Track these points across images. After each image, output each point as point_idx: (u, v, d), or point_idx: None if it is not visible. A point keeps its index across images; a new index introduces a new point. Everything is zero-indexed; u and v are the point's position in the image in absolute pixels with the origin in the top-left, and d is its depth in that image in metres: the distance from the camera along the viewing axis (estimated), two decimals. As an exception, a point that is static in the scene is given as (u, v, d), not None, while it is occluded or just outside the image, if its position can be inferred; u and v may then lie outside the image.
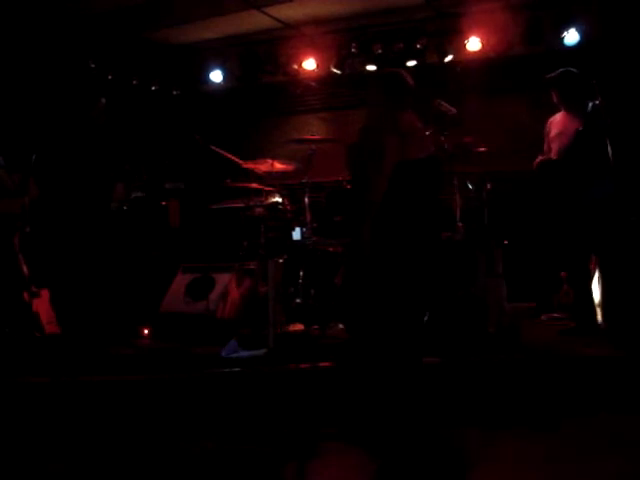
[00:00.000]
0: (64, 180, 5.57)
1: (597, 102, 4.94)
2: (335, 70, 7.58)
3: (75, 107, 6.83)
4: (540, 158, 5.17)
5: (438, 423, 3.81)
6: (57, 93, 7.06)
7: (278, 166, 5.84)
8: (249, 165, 6.00)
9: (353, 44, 7.40)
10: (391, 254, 3.80)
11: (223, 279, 5.88)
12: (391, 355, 3.83)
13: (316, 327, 5.26)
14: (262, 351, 4.82)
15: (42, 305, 5.70)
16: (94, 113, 5.41)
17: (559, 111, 5.24)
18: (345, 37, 7.51)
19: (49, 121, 6.84)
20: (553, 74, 5.13)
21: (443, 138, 5.43)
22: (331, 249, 5.56)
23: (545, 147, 5.29)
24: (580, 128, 4.90)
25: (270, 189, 5.91)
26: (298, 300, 5.40)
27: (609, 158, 4.78)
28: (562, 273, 6.04)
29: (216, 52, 8.01)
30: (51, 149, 6.38)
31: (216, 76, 7.99)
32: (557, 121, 5.21)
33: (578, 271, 5.13)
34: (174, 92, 8.31)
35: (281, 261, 5.36)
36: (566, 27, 6.69)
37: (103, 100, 5.53)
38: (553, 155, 5.13)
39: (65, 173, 5.55)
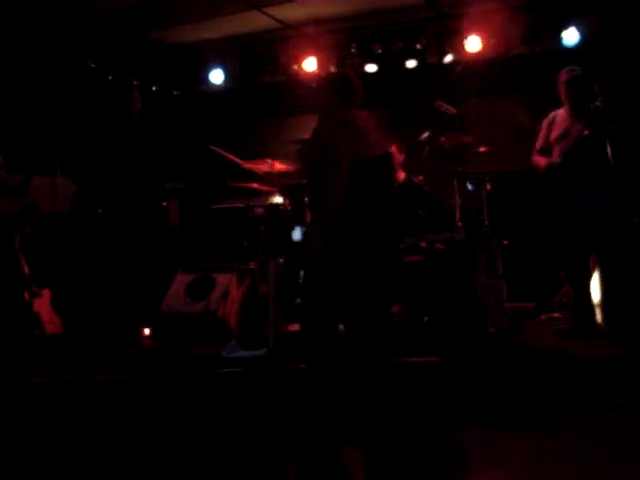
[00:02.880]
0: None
1: (599, 104, 4.93)
2: (335, 70, 7.58)
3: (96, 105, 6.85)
4: (546, 162, 5.06)
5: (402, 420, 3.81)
6: (57, 93, 7.07)
7: (278, 166, 5.84)
8: (249, 165, 6.01)
9: (353, 44, 7.41)
10: (351, 254, 3.73)
11: (223, 279, 5.88)
12: (354, 354, 3.80)
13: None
14: (262, 351, 4.82)
15: (43, 305, 5.70)
16: (125, 106, 5.42)
17: (560, 107, 5.14)
18: (345, 37, 7.52)
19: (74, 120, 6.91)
20: (569, 71, 5.01)
21: (443, 138, 5.44)
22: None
23: (541, 140, 5.16)
24: (585, 133, 4.84)
25: (270, 189, 5.91)
26: (298, 300, 5.40)
27: (610, 161, 4.76)
28: (562, 273, 6.04)
29: (216, 52, 8.01)
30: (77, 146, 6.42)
31: (216, 76, 7.99)
32: (560, 119, 5.10)
33: (577, 271, 5.12)
34: (174, 92, 8.31)
35: (281, 261, 5.36)
36: (566, 27, 6.70)
37: (137, 93, 5.54)
38: (555, 156, 5.07)
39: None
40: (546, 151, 5.15)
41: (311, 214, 4.05)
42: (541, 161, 5.13)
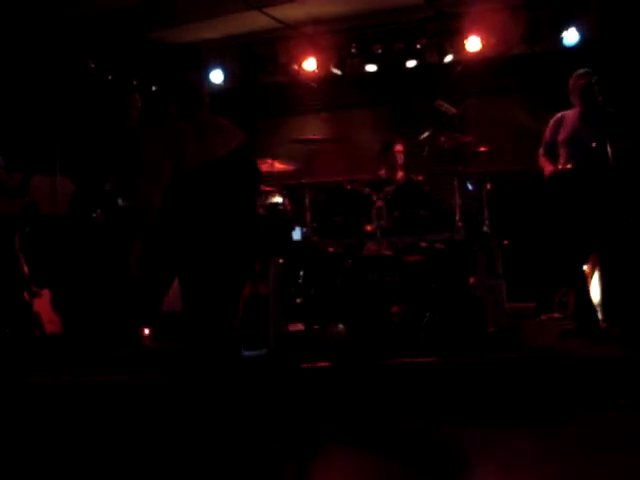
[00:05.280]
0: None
1: (612, 110, 4.91)
2: (335, 70, 7.59)
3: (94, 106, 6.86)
4: (554, 167, 5.01)
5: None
6: (56, 93, 7.07)
7: (278, 166, 5.84)
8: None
9: (353, 44, 7.41)
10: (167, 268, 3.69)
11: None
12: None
13: (316, 327, 5.26)
14: (262, 351, 4.82)
15: (43, 305, 5.70)
16: (126, 108, 5.43)
17: (570, 107, 5.10)
18: (345, 37, 7.52)
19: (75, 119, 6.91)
20: (582, 71, 4.95)
21: (443, 138, 5.44)
22: (331, 249, 5.56)
23: (547, 141, 5.13)
24: (594, 145, 4.78)
25: (270, 189, 5.91)
26: (298, 300, 5.40)
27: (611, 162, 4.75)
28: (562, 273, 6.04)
29: (216, 52, 8.01)
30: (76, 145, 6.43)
31: (216, 76, 7.99)
32: (569, 122, 5.03)
33: (577, 271, 5.11)
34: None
35: (281, 261, 5.36)
36: (566, 27, 6.70)
37: (137, 95, 5.54)
38: (562, 160, 5.00)
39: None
40: (552, 150, 5.10)
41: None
42: (548, 165, 5.08)
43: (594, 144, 4.79)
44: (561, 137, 5.05)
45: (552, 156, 5.11)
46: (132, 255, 3.70)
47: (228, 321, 3.74)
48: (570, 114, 5.09)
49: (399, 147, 5.84)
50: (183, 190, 3.55)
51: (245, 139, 3.89)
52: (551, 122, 5.15)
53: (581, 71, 5.00)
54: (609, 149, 4.71)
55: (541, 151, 5.19)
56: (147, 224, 3.60)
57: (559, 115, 5.13)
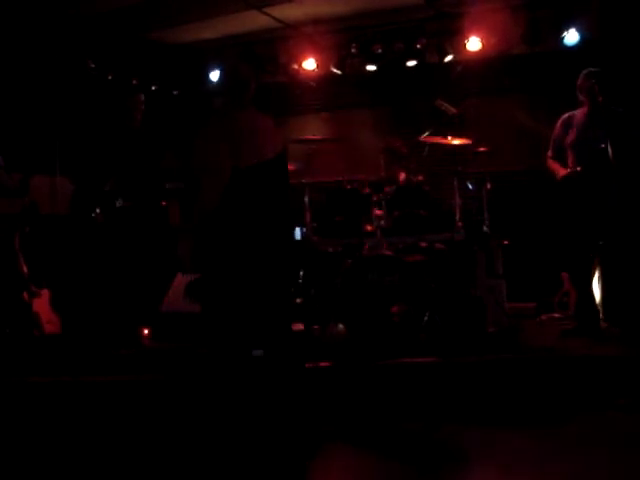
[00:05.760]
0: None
1: (620, 110, 4.89)
2: (335, 70, 7.58)
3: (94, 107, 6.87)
4: (563, 171, 4.99)
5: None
6: (56, 93, 7.07)
7: (278, 166, 5.82)
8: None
9: (353, 44, 7.40)
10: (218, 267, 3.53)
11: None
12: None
13: (316, 327, 5.26)
14: (262, 351, 4.81)
15: (42, 305, 5.70)
16: (129, 108, 5.42)
17: (576, 108, 5.08)
18: (345, 37, 7.51)
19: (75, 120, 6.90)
20: (595, 70, 4.94)
21: (443, 138, 5.44)
22: (331, 249, 5.56)
23: (555, 143, 5.11)
24: (603, 146, 4.77)
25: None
26: (298, 300, 5.40)
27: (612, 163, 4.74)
28: (562, 273, 6.04)
29: (216, 52, 8.01)
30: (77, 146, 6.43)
31: (216, 76, 7.98)
32: (577, 122, 5.01)
33: (581, 271, 5.11)
34: (174, 92, 8.30)
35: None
36: (566, 27, 6.69)
37: (142, 97, 5.53)
38: (571, 162, 4.98)
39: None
40: (560, 152, 5.08)
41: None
42: (557, 168, 5.06)
43: (603, 145, 4.77)
44: (569, 139, 5.01)
45: (560, 159, 5.08)
46: (185, 252, 3.64)
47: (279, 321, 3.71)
48: (578, 115, 5.05)
49: (401, 150, 5.83)
50: (240, 191, 3.48)
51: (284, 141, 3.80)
52: (559, 123, 5.12)
53: (590, 70, 4.98)
54: (610, 150, 4.72)
55: (549, 154, 5.16)
56: (202, 224, 3.51)
57: (566, 116, 5.10)
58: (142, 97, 5.57)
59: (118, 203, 5.34)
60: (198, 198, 3.51)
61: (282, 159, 3.69)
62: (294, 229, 4.64)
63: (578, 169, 4.91)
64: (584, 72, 5.00)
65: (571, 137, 5.01)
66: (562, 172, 5.01)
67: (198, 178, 3.54)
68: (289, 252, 3.78)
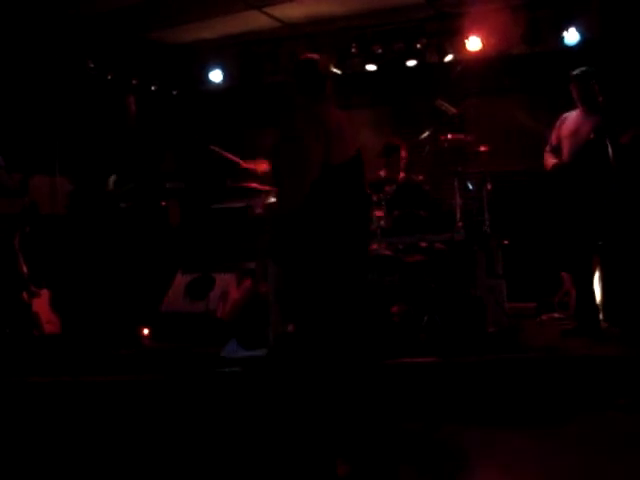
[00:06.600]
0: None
1: (612, 106, 4.93)
2: (335, 70, 7.58)
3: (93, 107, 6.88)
4: (555, 162, 5.08)
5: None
6: (56, 93, 7.07)
7: (278, 166, 5.82)
8: (249, 165, 5.99)
9: (353, 44, 7.40)
10: (314, 262, 3.43)
11: (223, 279, 5.88)
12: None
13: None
14: (262, 351, 4.82)
15: (42, 305, 5.70)
16: (122, 109, 5.45)
17: (574, 108, 5.14)
18: (345, 37, 7.51)
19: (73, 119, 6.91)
20: (577, 71, 5.01)
21: (443, 138, 5.43)
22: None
23: (553, 140, 5.19)
24: (592, 137, 4.85)
25: (270, 189, 5.90)
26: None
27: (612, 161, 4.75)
28: (562, 273, 6.04)
29: (216, 52, 8.00)
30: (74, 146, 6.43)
31: (216, 76, 7.98)
32: (572, 118, 5.11)
33: (581, 271, 5.12)
34: (174, 92, 8.30)
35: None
36: (566, 27, 6.69)
37: (132, 98, 5.55)
38: (564, 154, 5.07)
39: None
40: (557, 151, 5.16)
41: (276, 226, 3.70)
42: (549, 159, 5.15)
43: (592, 135, 4.82)
44: (563, 133, 5.12)
45: (557, 154, 5.15)
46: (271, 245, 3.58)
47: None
48: (573, 112, 5.15)
49: (403, 152, 5.83)
50: (330, 188, 3.41)
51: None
52: (556, 123, 5.22)
53: (576, 72, 5.03)
54: (609, 146, 4.72)
55: (547, 148, 5.24)
56: (285, 223, 3.46)
57: (564, 116, 5.20)
58: (132, 98, 5.58)
59: (122, 205, 5.35)
60: (283, 193, 3.45)
61: (360, 155, 3.63)
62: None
63: (564, 157, 5.01)
64: (570, 75, 5.06)
65: (565, 131, 5.11)
66: (551, 162, 5.11)
67: (283, 175, 3.46)
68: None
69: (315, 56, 3.87)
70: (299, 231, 3.43)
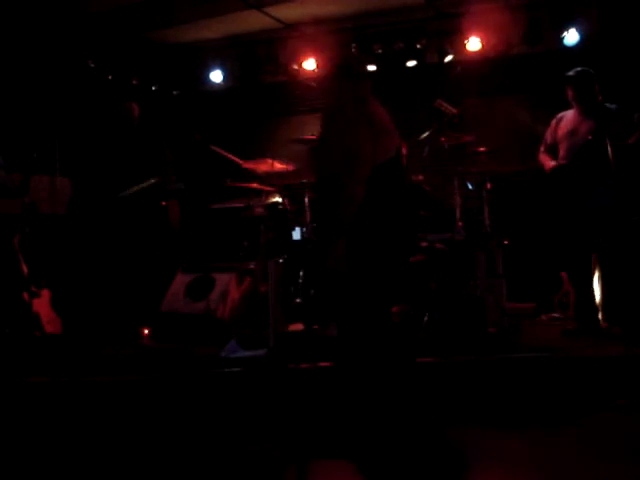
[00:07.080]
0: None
1: (611, 106, 4.94)
2: (338, 62, 7.58)
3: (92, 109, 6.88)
4: (554, 164, 5.09)
5: (434, 424, 3.77)
6: (56, 93, 7.07)
7: (278, 166, 5.84)
8: (249, 165, 6.01)
9: (353, 44, 7.40)
10: (371, 267, 3.44)
11: (223, 279, 5.88)
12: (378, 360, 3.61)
13: (316, 327, 5.25)
14: (262, 351, 4.82)
15: (42, 305, 5.70)
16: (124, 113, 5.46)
17: (570, 108, 5.16)
18: (345, 37, 7.51)
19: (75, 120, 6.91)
20: (572, 72, 5.04)
21: (443, 138, 5.44)
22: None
23: (548, 140, 5.21)
24: (590, 137, 4.85)
25: (270, 189, 5.91)
26: (298, 300, 5.39)
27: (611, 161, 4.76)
28: (562, 273, 6.04)
29: (216, 52, 8.01)
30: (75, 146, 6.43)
31: (216, 76, 7.99)
32: (568, 119, 5.13)
33: (580, 271, 5.12)
34: (174, 92, 8.31)
35: (281, 261, 5.36)
36: (566, 27, 6.70)
37: (134, 105, 5.57)
38: (561, 155, 5.08)
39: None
40: (552, 150, 5.18)
41: (326, 226, 3.69)
42: (547, 161, 5.16)
43: (590, 136, 4.82)
44: (560, 133, 5.13)
45: (552, 154, 5.16)
46: (335, 252, 3.48)
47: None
48: (568, 112, 5.17)
49: (403, 151, 5.83)
50: (379, 186, 3.38)
51: None
52: (552, 123, 5.24)
53: (570, 73, 5.04)
54: (609, 146, 4.72)
55: (541, 148, 5.24)
56: (349, 220, 3.40)
57: (559, 115, 5.22)
58: (135, 105, 5.59)
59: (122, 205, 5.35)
60: (344, 193, 3.38)
61: (400, 152, 3.65)
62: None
63: (561, 157, 5.02)
64: (566, 74, 5.06)
65: (562, 131, 5.12)
66: (550, 164, 5.11)
67: (338, 173, 3.41)
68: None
69: (350, 53, 3.87)
70: (358, 236, 3.40)
